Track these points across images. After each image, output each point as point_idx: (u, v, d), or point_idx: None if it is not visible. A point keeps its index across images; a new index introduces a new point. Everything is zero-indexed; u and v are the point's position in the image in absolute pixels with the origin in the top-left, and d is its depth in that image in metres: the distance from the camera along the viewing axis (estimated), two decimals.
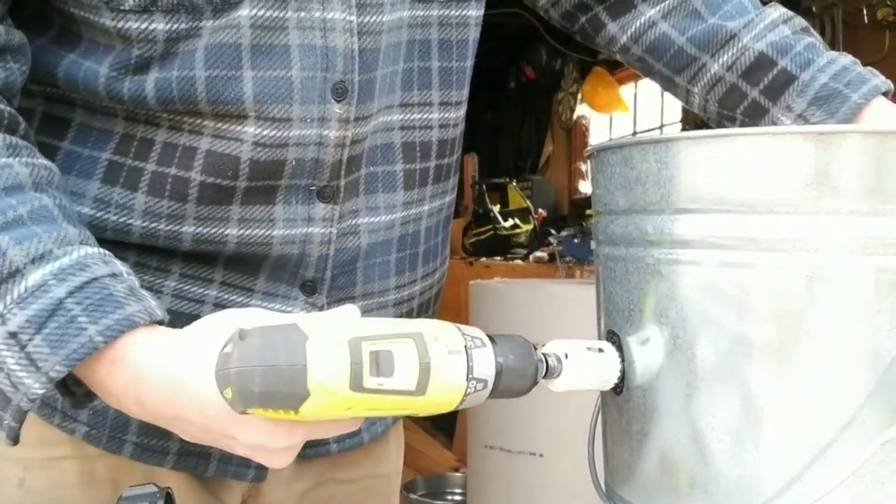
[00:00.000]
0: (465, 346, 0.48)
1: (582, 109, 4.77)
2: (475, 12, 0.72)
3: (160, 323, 0.53)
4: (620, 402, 0.57)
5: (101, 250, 0.54)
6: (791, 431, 0.49)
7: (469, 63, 0.74)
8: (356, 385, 0.45)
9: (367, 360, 0.45)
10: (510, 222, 3.97)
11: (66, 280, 0.51)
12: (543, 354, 0.53)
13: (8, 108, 0.57)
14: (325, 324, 0.46)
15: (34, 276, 0.50)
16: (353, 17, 0.62)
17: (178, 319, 0.63)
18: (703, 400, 0.52)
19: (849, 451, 0.48)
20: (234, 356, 0.44)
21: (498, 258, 3.65)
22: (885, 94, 0.71)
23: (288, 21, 0.60)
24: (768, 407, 0.50)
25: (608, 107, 4.53)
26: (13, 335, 0.50)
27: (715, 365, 0.51)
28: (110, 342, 0.50)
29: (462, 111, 0.75)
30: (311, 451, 0.75)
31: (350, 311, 0.50)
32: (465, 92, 0.75)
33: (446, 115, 0.73)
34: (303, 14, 0.60)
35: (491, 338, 0.51)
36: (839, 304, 0.48)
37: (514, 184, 4.32)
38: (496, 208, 4.11)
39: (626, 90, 4.52)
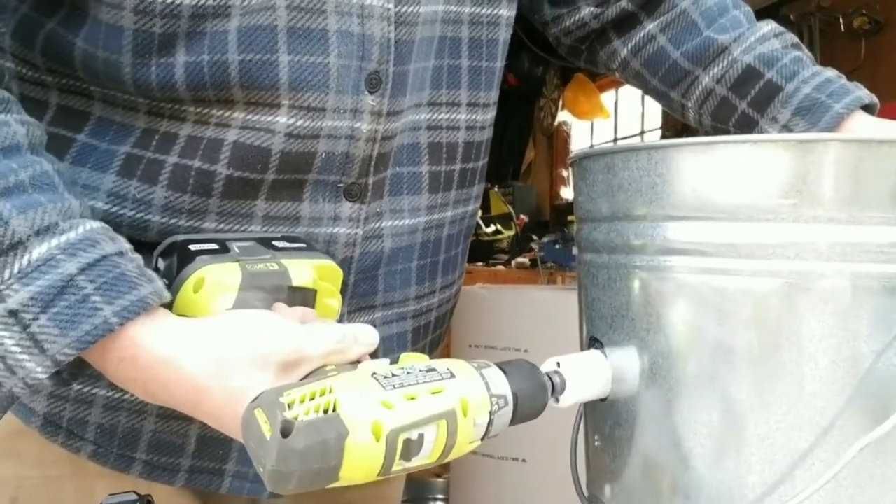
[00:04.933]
0: (490, 412, 0.48)
1: (563, 116, 4.79)
2: (506, 12, 0.71)
3: (165, 305, 0.50)
4: (603, 408, 0.57)
5: (103, 224, 0.50)
6: (771, 437, 0.50)
7: (499, 64, 0.73)
8: (384, 472, 0.45)
9: (399, 450, 0.44)
10: (492, 228, 3.97)
11: (77, 255, 0.47)
12: (547, 374, 0.53)
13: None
14: (367, 403, 0.44)
15: (39, 250, 0.46)
16: (391, 6, 0.60)
17: None
18: (684, 406, 0.52)
19: (829, 456, 0.48)
20: (272, 453, 0.41)
21: (480, 263, 3.65)
22: (868, 106, 0.72)
23: (326, 4, 0.57)
24: (749, 412, 0.50)
25: (589, 114, 4.56)
26: (13, 313, 0.45)
27: (696, 371, 0.52)
28: (125, 325, 0.47)
29: (490, 114, 0.74)
30: None
31: (381, 367, 0.48)
32: (494, 95, 0.74)
33: (473, 116, 0.72)
34: None
35: (504, 370, 0.50)
36: (818, 311, 0.49)
37: (496, 189, 4.33)
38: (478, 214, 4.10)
39: (607, 97, 4.55)
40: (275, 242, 0.57)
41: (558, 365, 0.54)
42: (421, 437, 0.45)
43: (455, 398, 0.46)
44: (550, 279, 2.92)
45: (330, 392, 0.43)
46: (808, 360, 0.49)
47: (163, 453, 0.65)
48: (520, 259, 3.46)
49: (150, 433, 0.64)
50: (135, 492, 0.54)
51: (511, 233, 3.93)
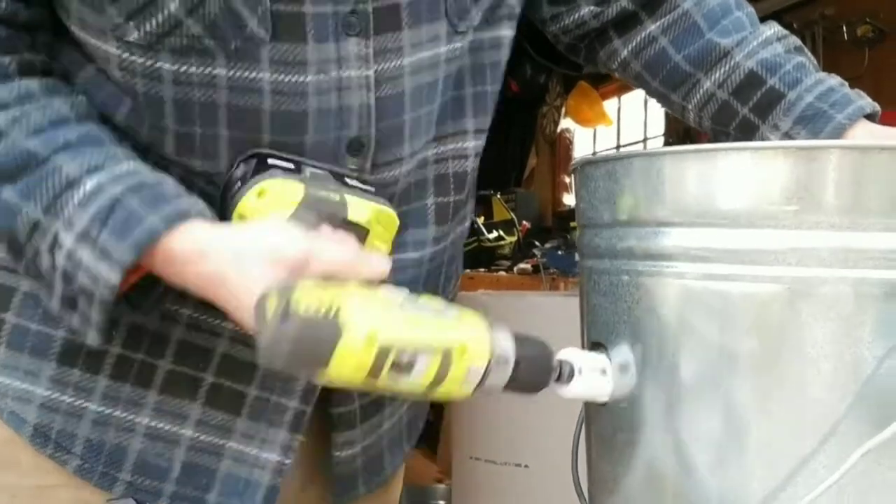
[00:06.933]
0: (487, 365, 0.50)
1: (566, 123, 4.80)
2: (509, 32, 0.70)
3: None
4: (604, 414, 0.57)
5: (148, 165, 0.57)
6: (773, 443, 0.50)
7: (500, 85, 0.72)
8: (369, 379, 0.47)
9: (388, 363, 0.46)
10: (494, 234, 3.97)
11: (121, 181, 0.54)
12: (559, 360, 0.54)
13: (40, 57, 0.58)
14: (369, 314, 0.46)
15: (91, 182, 0.53)
16: (370, 72, 0.59)
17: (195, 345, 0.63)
18: (686, 412, 0.52)
19: (831, 462, 0.48)
20: (269, 332, 0.45)
21: (482, 270, 3.66)
22: (871, 115, 0.71)
23: (308, 85, 0.58)
24: (751, 418, 0.50)
25: (592, 121, 4.56)
26: (84, 234, 0.53)
27: (698, 377, 0.52)
28: (171, 229, 0.53)
29: (485, 137, 0.73)
30: (342, 498, 0.74)
31: (398, 295, 0.50)
32: (490, 117, 0.73)
33: (479, 142, 0.71)
34: (322, 76, 0.58)
35: (514, 336, 0.52)
36: (821, 317, 0.49)
37: (499, 196, 4.33)
38: (480, 220, 4.11)
39: (610, 104, 4.55)
40: (347, 179, 0.60)
41: (570, 356, 0.55)
42: (413, 359, 0.47)
43: (455, 339, 0.48)
44: (552, 285, 2.91)
45: (338, 297, 0.46)
46: (810, 365, 0.49)
47: (147, 475, 0.65)
48: (522, 265, 3.46)
49: (136, 453, 0.64)
50: (133, 498, 0.54)
51: (513, 239, 3.92)
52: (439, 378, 0.48)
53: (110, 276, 0.53)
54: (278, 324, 0.44)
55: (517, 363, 0.51)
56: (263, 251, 0.52)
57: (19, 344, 0.64)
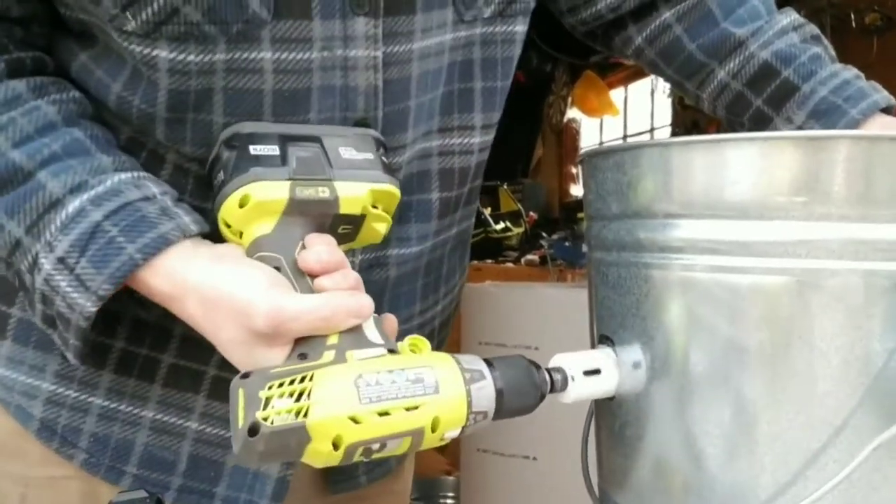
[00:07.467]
0: (464, 427, 0.49)
1: (573, 113, 4.78)
2: (522, 27, 0.69)
3: (202, 235, 0.55)
4: (614, 407, 0.57)
5: (135, 174, 0.56)
6: (784, 436, 0.49)
7: (510, 81, 0.71)
8: (343, 463, 0.47)
9: (358, 453, 0.47)
10: (501, 225, 3.97)
11: (102, 205, 0.53)
12: (548, 370, 0.53)
13: (30, 54, 0.57)
14: (336, 413, 0.46)
15: (73, 205, 0.53)
16: (378, 53, 0.58)
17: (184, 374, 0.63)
18: (696, 405, 0.52)
19: (841, 456, 0.48)
20: (238, 443, 0.45)
21: (489, 261, 3.65)
22: (887, 109, 0.70)
23: (312, 62, 0.56)
24: (761, 412, 0.50)
25: (599, 111, 4.55)
26: (61, 260, 0.53)
27: (708, 370, 0.51)
28: (149, 259, 0.52)
29: (493, 131, 0.72)
30: (342, 486, 0.73)
31: (372, 366, 0.48)
32: (501, 110, 0.72)
33: (486, 138, 0.70)
34: (326, 54, 0.56)
35: (490, 363, 0.51)
36: (830, 309, 0.48)
37: (505, 187, 4.32)
38: (487, 211, 4.11)
39: (617, 94, 4.54)
40: (341, 149, 0.56)
41: (564, 361, 0.55)
42: (383, 445, 0.47)
43: (429, 417, 0.48)
44: (560, 277, 2.91)
45: (307, 397, 0.45)
46: (820, 358, 0.49)
47: (154, 469, 0.65)
48: (529, 256, 3.45)
49: (143, 446, 0.65)
50: (145, 489, 0.54)
51: (520, 230, 3.92)
52: (412, 448, 0.49)
53: (87, 306, 0.53)
54: (246, 437, 0.44)
55: (499, 393, 0.51)
56: (234, 310, 0.50)
57: (24, 338, 0.64)
